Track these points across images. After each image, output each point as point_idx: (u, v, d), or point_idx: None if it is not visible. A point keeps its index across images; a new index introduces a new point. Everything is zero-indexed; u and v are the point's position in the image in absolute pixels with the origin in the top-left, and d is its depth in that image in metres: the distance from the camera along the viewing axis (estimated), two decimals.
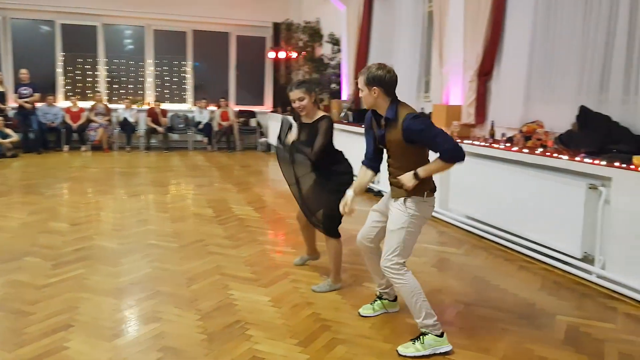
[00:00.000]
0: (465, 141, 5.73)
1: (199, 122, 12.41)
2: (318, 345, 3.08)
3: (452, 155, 2.86)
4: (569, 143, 4.36)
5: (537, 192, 4.54)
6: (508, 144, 5.27)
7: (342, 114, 9.40)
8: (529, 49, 5.59)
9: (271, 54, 12.89)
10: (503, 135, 5.51)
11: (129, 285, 3.94)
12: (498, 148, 5.25)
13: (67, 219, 5.79)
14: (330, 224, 3.83)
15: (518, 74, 5.72)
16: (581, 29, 4.93)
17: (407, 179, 2.92)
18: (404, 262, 3.02)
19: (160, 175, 8.97)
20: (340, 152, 3.95)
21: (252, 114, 13.12)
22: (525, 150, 4.89)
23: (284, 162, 3.93)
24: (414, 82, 7.95)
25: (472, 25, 6.23)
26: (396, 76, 3.01)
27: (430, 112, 6.98)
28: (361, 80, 3.02)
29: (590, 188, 3.98)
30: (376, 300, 3.52)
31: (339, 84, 10.60)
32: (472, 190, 5.49)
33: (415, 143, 2.92)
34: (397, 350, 2.99)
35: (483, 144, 5.51)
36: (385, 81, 2.95)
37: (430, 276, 4.25)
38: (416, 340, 2.99)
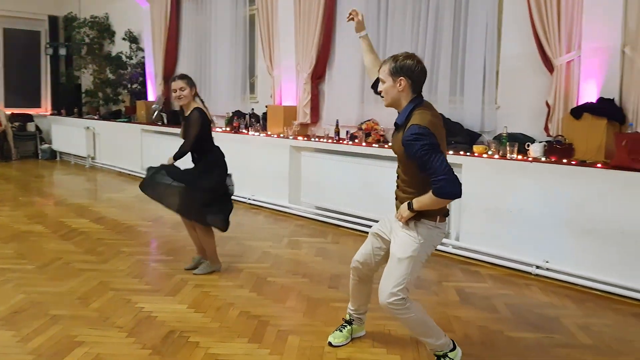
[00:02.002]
0: (311, 140, 6.15)
1: None
2: (269, 339, 3.10)
3: (445, 190, 2.43)
4: None
5: (385, 179, 5.10)
6: (355, 141, 5.83)
7: (154, 116, 8.98)
8: (361, 54, 6.22)
9: (49, 51, 11.51)
10: (347, 132, 6.05)
11: (13, 314, 3.33)
12: (347, 144, 5.78)
13: None
14: (201, 215, 4.11)
15: (352, 77, 6.33)
16: (410, 39, 5.72)
17: (403, 210, 2.59)
18: (407, 294, 2.61)
19: None
20: (217, 146, 4.23)
21: (29, 118, 11.51)
22: (375, 145, 5.50)
23: (150, 187, 4.15)
24: (238, 83, 8.06)
25: (304, 32, 6.63)
26: (426, 70, 2.62)
27: (264, 113, 7.23)
28: (385, 69, 2.59)
29: None
30: (346, 326, 3.09)
31: (143, 84, 10.06)
32: (323, 183, 5.92)
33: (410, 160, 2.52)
34: None
35: (329, 141, 5.98)
36: (415, 72, 2.55)
37: (321, 265, 4.51)
38: None
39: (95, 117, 10.51)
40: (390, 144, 2.74)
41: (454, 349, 2.75)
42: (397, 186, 2.73)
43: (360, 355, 2.93)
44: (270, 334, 3.16)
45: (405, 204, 2.58)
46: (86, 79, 11.40)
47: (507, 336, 3.21)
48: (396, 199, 2.74)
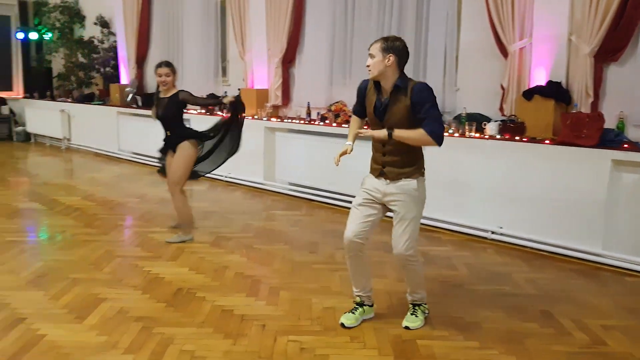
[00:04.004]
0: (284, 121, 6.74)
1: None
2: (264, 293, 3.73)
3: (437, 136, 2.92)
4: None
5: (361, 158, 5.76)
6: (325, 122, 6.45)
7: (129, 98, 9.37)
8: (329, 41, 6.81)
9: (19, 35, 11.63)
10: (318, 114, 6.66)
11: (38, 277, 3.87)
12: (318, 124, 6.39)
13: None
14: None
15: (321, 62, 6.92)
16: (376, 24, 6.29)
17: (379, 132, 2.99)
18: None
19: None
20: None
21: (3, 101, 11.68)
22: (345, 125, 6.12)
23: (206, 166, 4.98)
24: (210, 67, 8.56)
25: (275, 18, 7.16)
26: (408, 52, 3.06)
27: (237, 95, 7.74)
28: (376, 46, 3.00)
29: None
30: (357, 309, 3.32)
31: (115, 68, 10.39)
32: (296, 161, 6.53)
33: (415, 114, 2.96)
34: (406, 328, 3.21)
35: (302, 122, 6.59)
36: (402, 52, 3.00)
37: (298, 234, 5.15)
38: (416, 312, 3.28)
39: (69, 100, 10.79)
40: (391, 110, 3.03)
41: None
42: (384, 154, 3.10)
43: (343, 305, 3.43)
44: (264, 290, 3.77)
45: (385, 130, 2.97)
46: (57, 63, 11.61)
47: (465, 289, 3.85)
48: (382, 167, 3.11)
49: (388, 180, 3.12)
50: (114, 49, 10.44)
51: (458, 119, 5.43)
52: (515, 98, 5.19)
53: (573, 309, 3.52)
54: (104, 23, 10.56)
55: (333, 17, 6.78)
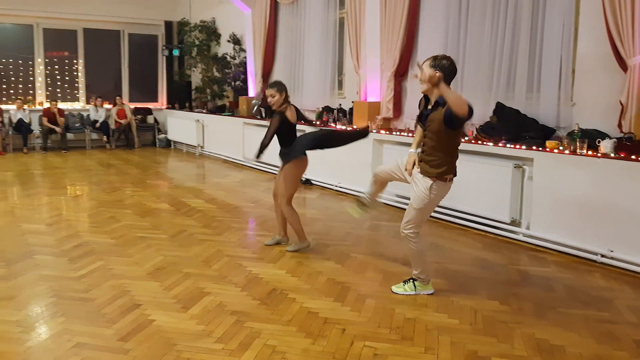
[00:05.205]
0: (392, 134, 6.88)
1: (96, 121, 12.19)
2: (350, 300, 3.92)
3: (468, 105, 3.41)
4: (489, 132, 5.63)
5: (469, 173, 5.70)
6: None
7: (254, 110, 10.06)
8: (441, 53, 6.82)
9: (165, 52, 13.02)
10: None
11: (157, 270, 4.40)
12: None
13: (34, 220, 5.89)
14: None
15: None
16: (489, 38, 6.22)
17: (430, 72, 3.53)
18: (420, 230, 3.89)
19: (82, 174, 8.95)
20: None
21: (149, 111, 13.16)
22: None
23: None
24: (327, 80, 8.95)
25: (388, 33, 7.35)
26: (456, 70, 3.62)
27: (350, 108, 8.05)
28: (427, 63, 3.56)
29: (515, 167, 5.27)
30: (408, 282, 4.05)
31: (244, 82, 11.22)
32: None
33: (449, 126, 3.53)
34: (391, 289, 4.03)
35: (410, 135, 6.68)
36: (448, 69, 3.51)
37: (397, 245, 5.26)
38: (406, 283, 4.02)
39: (204, 111, 11.86)
40: (430, 119, 3.66)
41: (427, 283, 3.99)
42: (423, 151, 3.76)
43: (425, 317, 3.59)
44: (352, 296, 3.96)
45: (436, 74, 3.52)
46: (196, 77, 12.80)
47: (557, 311, 3.72)
48: (421, 161, 3.78)
49: (419, 169, 3.79)
50: (244, 64, 11.28)
51: (571, 135, 5.20)
52: (634, 114, 4.86)
53: None
54: (236, 40, 11.47)
55: (446, 31, 6.80)
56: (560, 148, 5.10)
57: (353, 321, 3.53)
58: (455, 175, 3.81)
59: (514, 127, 5.48)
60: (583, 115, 5.41)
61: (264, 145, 4.76)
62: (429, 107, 3.71)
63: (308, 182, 8.18)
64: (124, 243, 5.11)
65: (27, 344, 3.13)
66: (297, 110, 4.96)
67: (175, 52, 12.55)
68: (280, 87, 4.87)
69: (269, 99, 4.87)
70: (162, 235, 5.38)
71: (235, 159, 10.47)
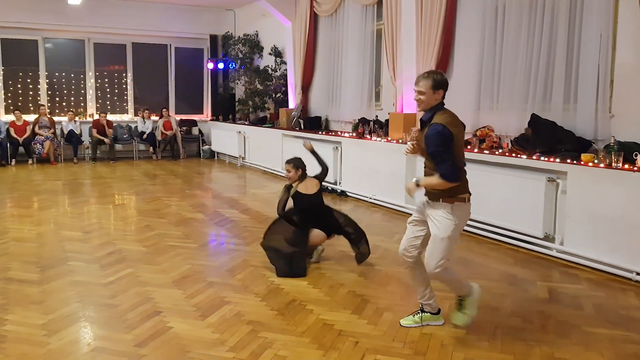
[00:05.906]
0: None
1: (143, 132, 12.64)
2: (368, 312, 3.89)
3: (448, 176, 3.17)
4: (524, 145, 5.49)
5: (501, 186, 5.60)
6: (467, 147, 6.36)
7: (294, 121, 10.20)
8: (477, 64, 6.74)
9: (209, 65, 13.37)
10: None
11: (182, 278, 4.51)
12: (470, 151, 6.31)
13: (74, 228, 6.15)
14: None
15: (468, 86, 6.86)
16: (525, 48, 6.08)
17: (409, 184, 3.35)
18: (449, 264, 3.40)
19: (127, 184, 9.29)
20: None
21: (194, 123, 13.53)
22: (487, 152, 5.98)
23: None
24: (365, 92, 8.96)
25: (424, 45, 7.30)
26: (446, 84, 3.38)
27: (386, 119, 8.02)
28: (427, 83, 3.27)
29: (548, 181, 5.11)
30: (418, 313, 3.66)
31: (285, 93, 11.38)
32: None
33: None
34: (454, 324, 3.55)
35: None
36: (446, 86, 3.34)
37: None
38: (463, 305, 3.49)
39: (246, 123, 12.08)
40: (420, 141, 3.42)
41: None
42: (426, 174, 3.41)
43: (442, 332, 3.54)
44: (370, 309, 3.93)
45: (412, 181, 3.33)
46: (239, 90, 13.08)
47: (581, 330, 3.59)
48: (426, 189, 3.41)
49: (430, 200, 3.38)
50: (284, 76, 11.44)
51: (607, 147, 5.00)
52: None
53: None
54: (277, 53, 11.65)
55: (482, 42, 6.70)
56: (595, 161, 4.92)
57: (367, 334, 3.51)
58: (470, 194, 3.42)
59: (548, 140, 5.32)
60: (622, 127, 5.19)
61: (280, 217, 4.95)
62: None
63: (343, 194, 8.19)
64: (155, 251, 5.26)
65: (48, 347, 3.27)
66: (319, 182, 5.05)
67: (233, 66, 12.78)
68: (297, 163, 4.97)
69: (285, 173, 5.04)
70: (192, 245, 5.51)
71: (274, 170, 10.60)
